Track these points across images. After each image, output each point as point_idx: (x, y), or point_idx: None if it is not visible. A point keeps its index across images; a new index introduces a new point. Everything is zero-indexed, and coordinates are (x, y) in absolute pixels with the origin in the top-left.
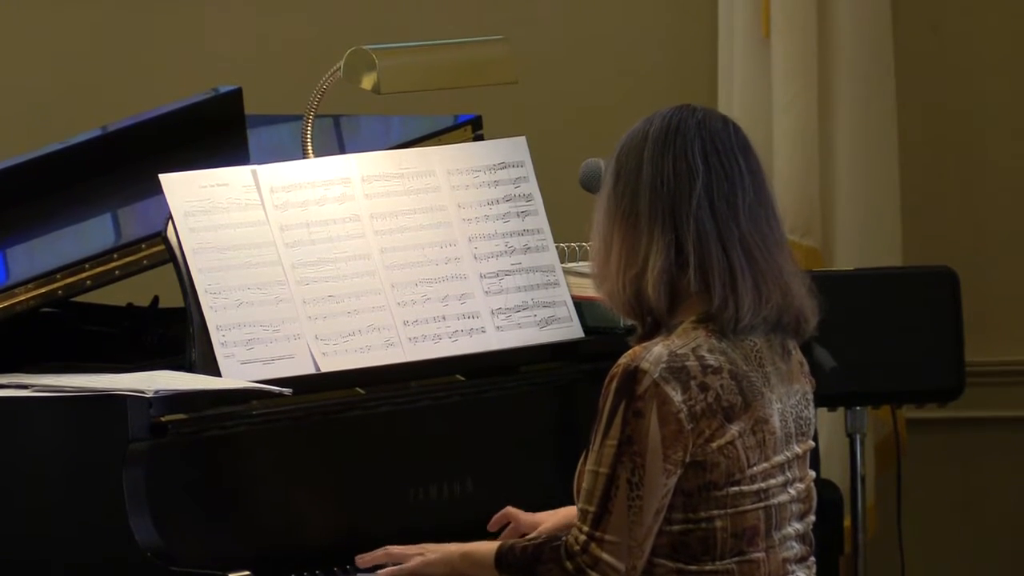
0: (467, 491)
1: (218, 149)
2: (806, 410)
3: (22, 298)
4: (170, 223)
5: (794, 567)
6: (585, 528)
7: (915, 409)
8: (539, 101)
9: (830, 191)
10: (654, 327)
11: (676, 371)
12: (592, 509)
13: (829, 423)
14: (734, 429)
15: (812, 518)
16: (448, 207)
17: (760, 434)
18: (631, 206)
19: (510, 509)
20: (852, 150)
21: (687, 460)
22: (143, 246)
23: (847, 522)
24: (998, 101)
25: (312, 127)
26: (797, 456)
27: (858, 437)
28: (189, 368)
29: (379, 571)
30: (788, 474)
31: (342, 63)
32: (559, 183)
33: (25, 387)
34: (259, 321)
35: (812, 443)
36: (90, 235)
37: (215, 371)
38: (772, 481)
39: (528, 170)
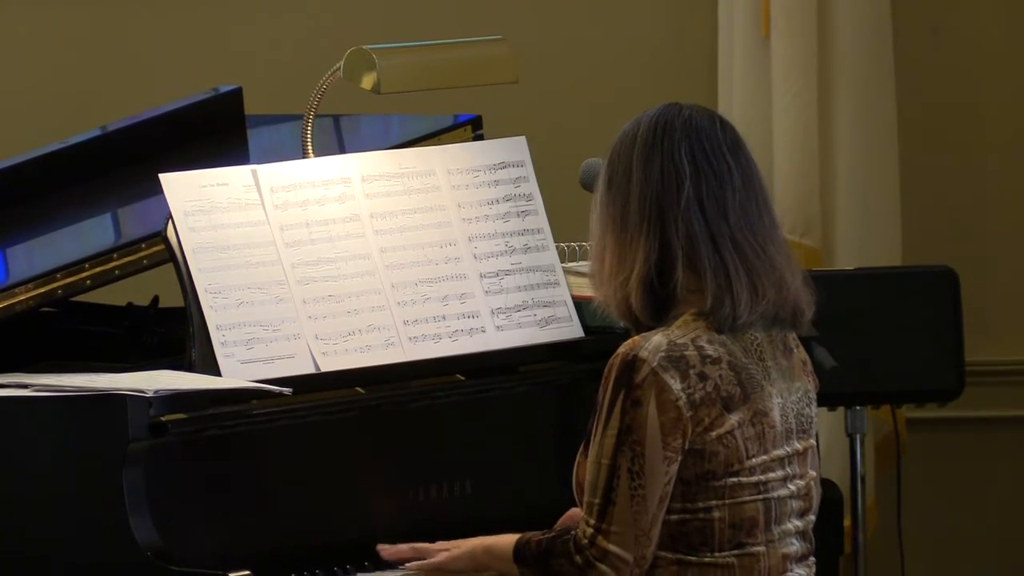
0: (467, 491)
1: (218, 149)
2: (807, 408)
3: (22, 298)
4: (170, 223)
5: (794, 565)
6: (592, 521)
7: (915, 409)
8: (539, 101)
9: (830, 191)
10: (649, 331)
11: (675, 360)
12: (596, 501)
13: (829, 423)
14: (733, 419)
15: (813, 517)
16: (448, 207)
17: (759, 426)
18: (622, 212)
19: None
20: (852, 150)
21: (686, 447)
22: (143, 246)
23: (847, 521)
24: (998, 101)
25: (312, 127)
26: (797, 452)
27: (858, 437)
28: (189, 368)
29: (407, 564)
30: (788, 469)
31: (342, 63)
32: (559, 183)
33: (25, 387)
34: (259, 321)
35: (813, 442)
36: (90, 235)
37: (215, 371)
38: (771, 475)
39: (528, 170)
